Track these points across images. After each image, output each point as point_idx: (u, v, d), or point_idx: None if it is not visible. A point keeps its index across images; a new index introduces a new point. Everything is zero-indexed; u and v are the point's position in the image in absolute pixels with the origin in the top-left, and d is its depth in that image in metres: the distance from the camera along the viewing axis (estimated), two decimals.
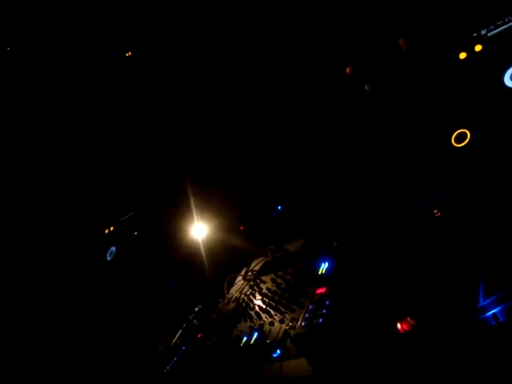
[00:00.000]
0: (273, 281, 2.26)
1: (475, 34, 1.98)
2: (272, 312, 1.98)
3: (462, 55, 1.99)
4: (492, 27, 1.95)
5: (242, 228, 2.98)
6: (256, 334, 1.89)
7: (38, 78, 3.30)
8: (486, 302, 1.29)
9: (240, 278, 2.57)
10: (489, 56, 1.92)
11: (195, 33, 3.05)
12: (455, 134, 1.93)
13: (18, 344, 2.78)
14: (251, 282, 2.41)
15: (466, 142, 1.89)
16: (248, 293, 2.32)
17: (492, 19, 1.96)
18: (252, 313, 2.10)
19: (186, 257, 3.00)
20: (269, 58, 2.89)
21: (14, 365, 2.66)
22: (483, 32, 1.97)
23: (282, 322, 1.88)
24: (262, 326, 1.94)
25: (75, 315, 3.02)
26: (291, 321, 1.82)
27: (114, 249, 3.35)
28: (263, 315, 2.01)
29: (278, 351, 1.70)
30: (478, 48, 1.96)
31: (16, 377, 2.62)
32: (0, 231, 3.06)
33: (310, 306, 1.73)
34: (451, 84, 2.03)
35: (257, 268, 2.54)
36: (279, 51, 2.85)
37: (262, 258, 2.61)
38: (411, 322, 1.39)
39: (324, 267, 1.90)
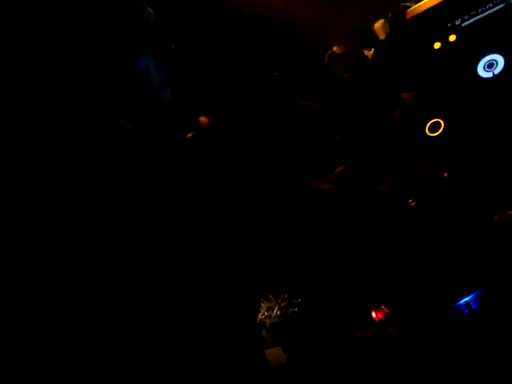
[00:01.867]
0: None
1: (449, 24, 1.99)
2: None
3: (437, 45, 2.00)
4: (466, 17, 1.96)
5: None
6: None
7: None
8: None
9: None
10: (463, 46, 1.93)
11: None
12: (429, 123, 1.94)
13: None
14: None
15: (439, 131, 1.91)
16: None
17: (466, 9, 1.96)
18: None
19: None
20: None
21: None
22: (457, 22, 1.98)
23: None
24: None
25: None
26: (267, 310, 1.82)
27: None
28: None
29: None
30: (452, 38, 1.97)
31: None
32: None
33: (286, 295, 1.73)
34: (425, 74, 2.04)
35: None
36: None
37: None
38: (386, 310, 1.40)
39: None
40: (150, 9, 0.94)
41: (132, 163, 0.77)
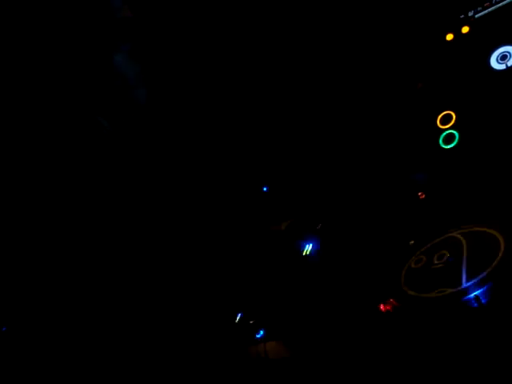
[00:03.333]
0: None
1: (462, 16, 1.96)
2: None
3: (449, 36, 1.97)
4: (479, 9, 1.94)
5: None
6: (239, 314, 1.89)
7: None
8: (468, 284, 1.30)
9: None
10: (476, 38, 1.90)
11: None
12: (440, 115, 1.92)
13: None
14: None
15: (451, 123, 1.89)
16: None
17: (479, 1, 1.94)
18: None
19: None
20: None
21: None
22: (470, 14, 1.95)
23: None
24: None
25: None
26: None
27: None
28: None
29: (261, 332, 1.71)
30: (465, 30, 1.94)
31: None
32: None
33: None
34: (437, 65, 2.02)
35: None
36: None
37: None
38: (394, 303, 1.40)
39: (308, 248, 1.90)
40: (126, 5, 0.91)
41: (110, 160, 0.76)
